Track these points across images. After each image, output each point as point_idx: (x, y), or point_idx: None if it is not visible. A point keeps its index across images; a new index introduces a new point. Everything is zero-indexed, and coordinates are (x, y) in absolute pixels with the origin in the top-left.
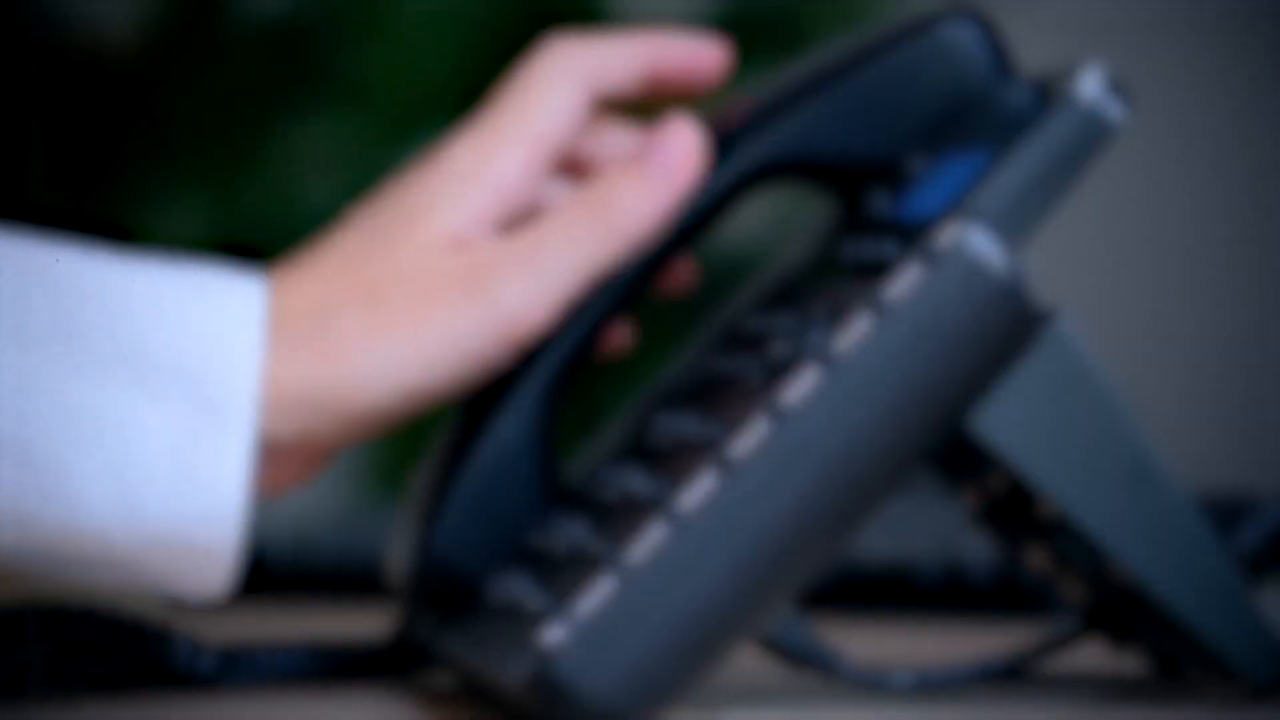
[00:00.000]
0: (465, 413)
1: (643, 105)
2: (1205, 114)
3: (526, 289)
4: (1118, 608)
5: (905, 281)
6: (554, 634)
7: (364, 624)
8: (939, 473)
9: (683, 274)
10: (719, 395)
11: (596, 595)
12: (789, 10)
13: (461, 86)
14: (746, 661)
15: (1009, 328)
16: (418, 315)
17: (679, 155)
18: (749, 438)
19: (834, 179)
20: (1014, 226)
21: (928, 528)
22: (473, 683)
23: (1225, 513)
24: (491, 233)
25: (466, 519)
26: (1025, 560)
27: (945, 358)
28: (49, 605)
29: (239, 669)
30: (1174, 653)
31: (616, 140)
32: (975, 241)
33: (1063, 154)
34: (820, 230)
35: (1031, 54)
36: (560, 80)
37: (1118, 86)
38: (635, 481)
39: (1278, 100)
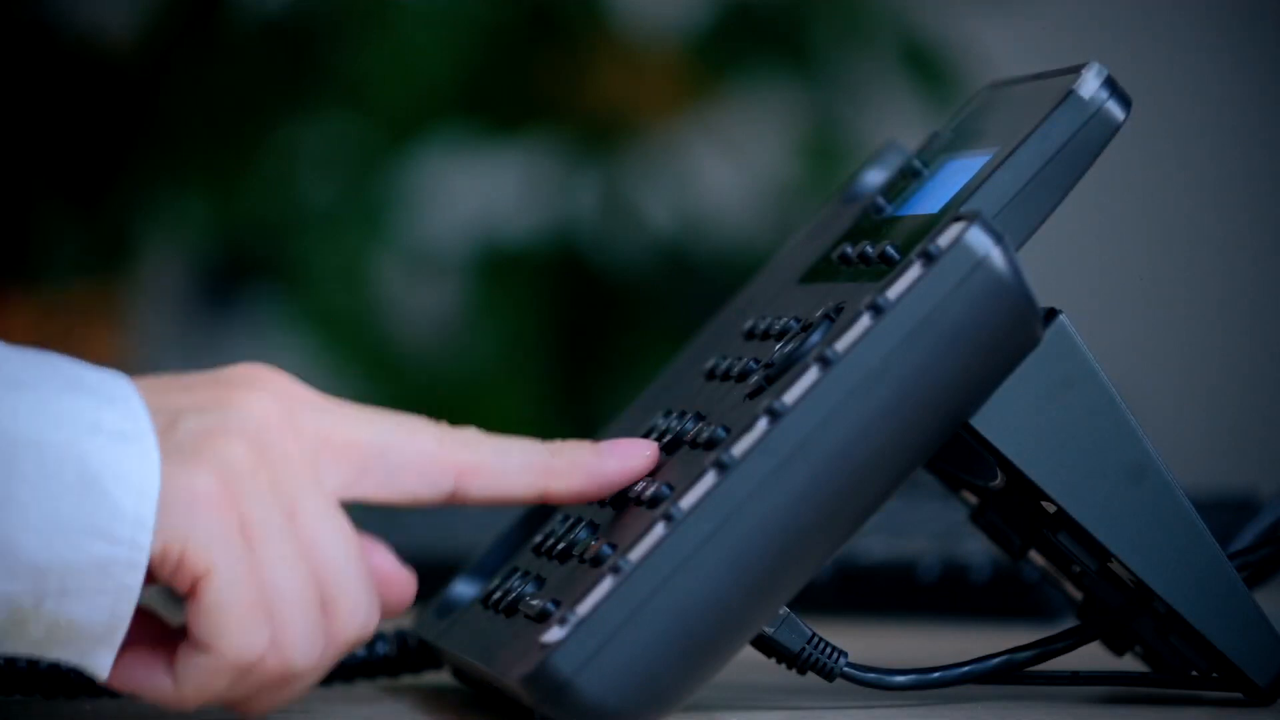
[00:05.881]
0: None
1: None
2: (1205, 114)
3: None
4: (1117, 608)
5: (906, 280)
6: (554, 633)
7: None
8: (939, 472)
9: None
10: (719, 395)
11: (596, 594)
12: (789, 10)
13: (461, 86)
14: (746, 661)
15: (1010, 326)
16: None
17: (632, 453)
18: (748, 437)
19: None
20: (1015, 226)
21: (928, 528)
22: (473, 682)
23: (1225, 513)
24: None
25: None
26: (1025, 560)
27: (946, 357)
28: None
29: None
30: (1174, 654)
31: None
32: (976, 240)
33: (1063, 153)
34: (821, 229)
35: (1031, 54)
36: None
37: (1117, 86)
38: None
39: (1278, 100)
